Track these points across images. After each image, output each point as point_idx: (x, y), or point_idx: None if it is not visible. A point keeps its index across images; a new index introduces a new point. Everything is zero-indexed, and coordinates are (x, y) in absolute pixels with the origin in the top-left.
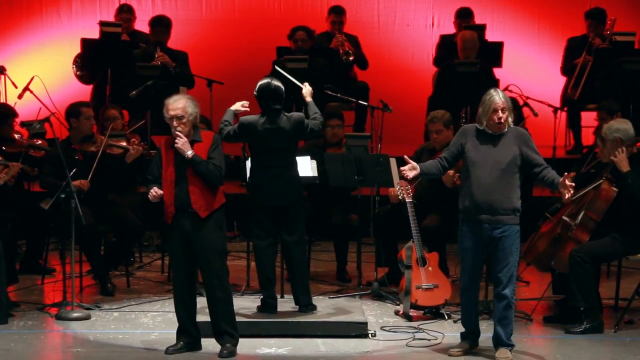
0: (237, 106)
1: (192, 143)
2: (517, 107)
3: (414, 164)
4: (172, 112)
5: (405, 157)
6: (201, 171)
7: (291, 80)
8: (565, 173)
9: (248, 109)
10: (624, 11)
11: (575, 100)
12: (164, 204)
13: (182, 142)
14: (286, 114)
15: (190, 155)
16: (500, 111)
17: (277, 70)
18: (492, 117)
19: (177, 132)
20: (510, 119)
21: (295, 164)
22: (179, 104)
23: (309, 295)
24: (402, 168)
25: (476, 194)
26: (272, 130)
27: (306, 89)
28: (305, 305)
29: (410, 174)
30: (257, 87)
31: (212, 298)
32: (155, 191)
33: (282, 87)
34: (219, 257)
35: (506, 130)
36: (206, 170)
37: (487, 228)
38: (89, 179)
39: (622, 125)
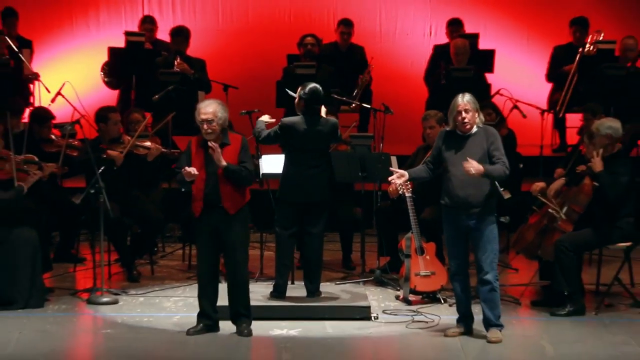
0: (265, 118)
1: (221, 146)
2: (495, 110)
3: (402, 171)
4: (203, 116)
5: (392, 169)
6: (234, 178)
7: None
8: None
9: (274, 120)
10: (606, 20)
11: (561, 115)
12: (193, 198)
13: (216, 155)
14: (324, 117)
15: (223, 165)
16: (463, 112)
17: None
18: (456, 118)
19: (211, 144)
20: (477, 119)
21: (326, 166)
22: (209, 109)
23: (318, 282)
24: (390, 178)
25: (453, 189)
26: (311, 132)
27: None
28: (313, 291)
29: (399, 181)
30: (308, 89)
31: (233, 284)
32: (193, 170)
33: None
34: (242, 248)
35: (475, 130)
36: (239, 177)
37: (465, 219)
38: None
39: (614, 124)
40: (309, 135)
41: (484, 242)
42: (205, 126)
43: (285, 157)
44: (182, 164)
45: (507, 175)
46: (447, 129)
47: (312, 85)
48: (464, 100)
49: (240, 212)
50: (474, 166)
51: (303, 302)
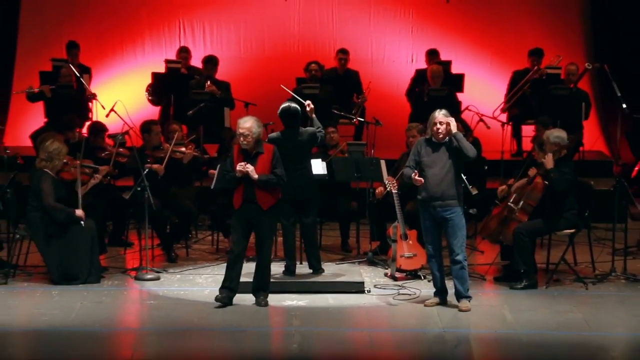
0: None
1: (256, 154)
2: (462, 123)
3: (417, 177)
4: (240, 130)
5: (415, 177)
6: (266, 185)
7: (296, 98)
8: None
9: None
10: (556, 48)
11: (512, 115)
12: (234, 193)
13: (250, 174)
14: (302, 128)
15: (256, 178)
16: (438, 124)
17: (288, 91)
18: (433, 129)
19: (241, 169)
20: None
21: (310, 167)
22: (247, 125)
23: (319, 262)
24: (414, 178)
25: (429, 187)
26: (292, 142)
27: (309, 108)
28: (317, 269)
29: (421, 180)
30: (280, 109)
31: (260, 264)
32: (245, 164)
33: (299, 109)
34: (270, 236)
35: (447, 139)
36: (270, 184)
37: (439, 211)
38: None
39: (561, 134)
40: (291, 145)
41: (455, 229)
42: (242, 138)
43: None
44: (228, 167)
45: (475, 153)
46: (426, 137)
47: (283, 105)
48: (440, 114)
49: (272, 207)
50: (453, 124)
51: (309, 278)
